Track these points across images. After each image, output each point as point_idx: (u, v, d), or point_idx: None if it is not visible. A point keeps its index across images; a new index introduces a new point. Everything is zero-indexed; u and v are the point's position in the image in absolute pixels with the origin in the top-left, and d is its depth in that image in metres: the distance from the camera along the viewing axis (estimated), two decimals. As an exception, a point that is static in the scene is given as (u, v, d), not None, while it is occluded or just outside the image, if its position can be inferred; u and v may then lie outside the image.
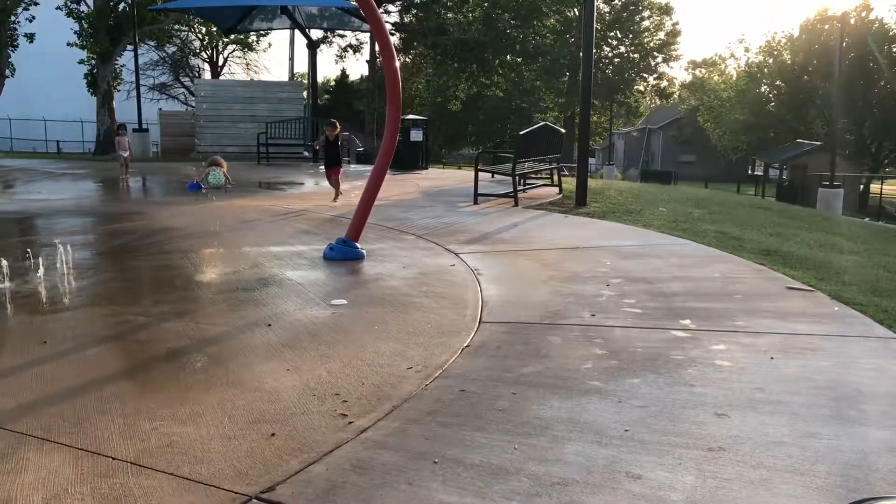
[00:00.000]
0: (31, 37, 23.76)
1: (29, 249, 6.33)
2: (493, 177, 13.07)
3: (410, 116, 18.77)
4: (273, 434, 3.17)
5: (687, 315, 4.98)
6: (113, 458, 2.92)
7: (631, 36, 45.01)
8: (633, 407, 3.46)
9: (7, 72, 24.89)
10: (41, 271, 6.02)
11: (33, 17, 23.57)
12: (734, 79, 53.36)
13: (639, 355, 4.20)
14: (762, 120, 47.13)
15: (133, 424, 3.23)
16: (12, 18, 23.45)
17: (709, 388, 3.69)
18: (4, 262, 5.87)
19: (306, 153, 21.02)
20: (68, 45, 25.35)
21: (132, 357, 4.38)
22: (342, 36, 38.58)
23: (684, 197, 13.22)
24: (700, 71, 61.11)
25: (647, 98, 54.08)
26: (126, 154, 14.92)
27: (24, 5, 23.37)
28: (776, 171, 42.37)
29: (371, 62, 33.34)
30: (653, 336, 4.57)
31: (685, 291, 5.68)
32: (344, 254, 6.85)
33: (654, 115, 62.62)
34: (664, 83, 49.02)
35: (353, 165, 19.22)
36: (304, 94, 25.94)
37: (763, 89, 49.58)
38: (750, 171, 53.57)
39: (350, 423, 3.30)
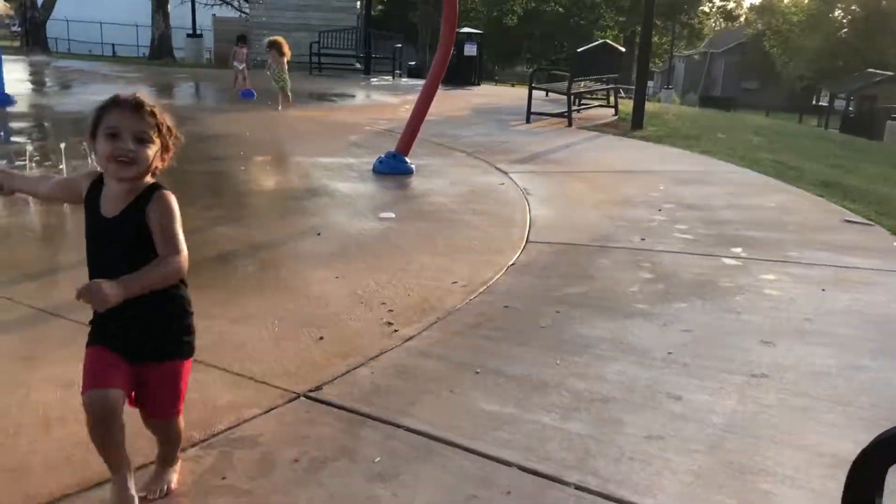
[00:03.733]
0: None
1: (85, 150, 6.45)
2: (547, 95, 12.81)
3: (465, 30, 18.38)
4: (321, 337, 3.25)
5: (739, 243, 4.90)
6: (168, 352, 3.03)
7: (699, -49, 42.99)
8: (678, 331, 3.46)
9: (65, -28, 24.92)
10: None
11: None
12: (806, 2, 50.80)
13: (687, 281, 4.17)
14: (832, 47, 44.99)
15: (187, 321, 3.34)
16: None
17: (756, 315, 3.66)
18: (62, 165, 6.00)
19: (358, 65, 20.81)
20: (125, -54, 25.19)
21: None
22: (399, -56, 37.57)
23: (744, 124, 12.84)
24: (770, -7, 58.30)
25: (712, 20, 51.96)
26: (242, 66, 13.55)
27: None
28: (842, 103, 40.75)
29: (427, -27, 32.53)
30: (703, 262, 4.52)
31: (738, 219, 5.58)
32: (393, 168, 6.85)
33: (718, 39, 60.25)
34: (731, 4, 47.03)
35: (404, 79, 19.01)
36: (358, 4, 25.50)
37: (836, 14, 47.19)
38: (814, 102, 51.52)
39: (395, 331, 3.37)
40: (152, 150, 1.93)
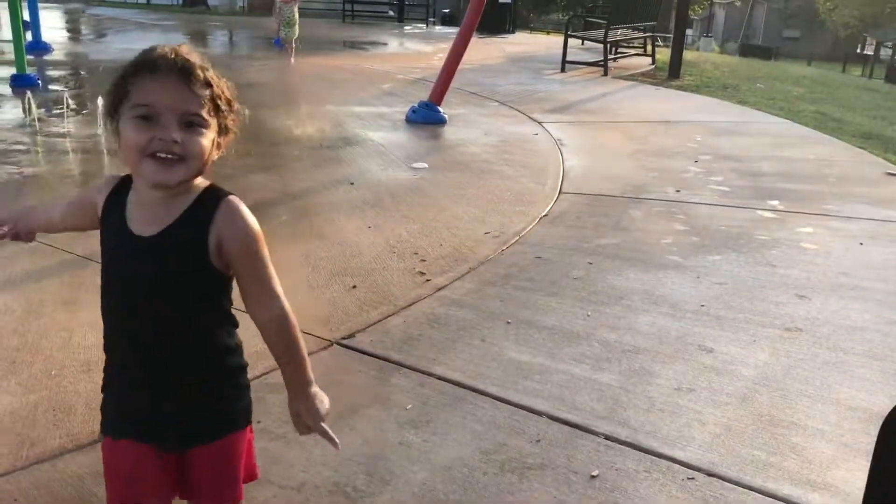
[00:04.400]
0: None
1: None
2: (582, 44, 12.58)
3: (500, -23, 18.02)
4: (354, 286, 3.29)
5: (776, 196, 4.82)
6: (204, 299, 3.08)
7: None
8: (712, 283, 3.43)
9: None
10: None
11: None
12: (853, -54, 48.88)
13: (721, 233, 4.12)
14: (880, -7, 43.39)
15: (222, 269, 3.39)
16: None
17: (792, 269, 3.62)
18: (101, 109, 6.06)
19: (391, 12, 20.56)
20: None
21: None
22: None
23: (784, 74, 12.52)
24: (817, -64, 56.16)
25: (755, -35, 50.26)
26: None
27: None
28: (888, 52, 39.40)
29: (462, -83, 31.81)
30: (738, 215, 4.46)
31: (776, 172, 5.48)
32: (426, 117, 6.81)
33: (761, -15, 58.43)
34: (775, -51, 45.33)
35: (437, 27, 18.75)
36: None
37: (885, -41, 45.36)
38: (859, 50, 49.92)
39: (427, 280, 3.39)
40: (208, 139, 1.30)
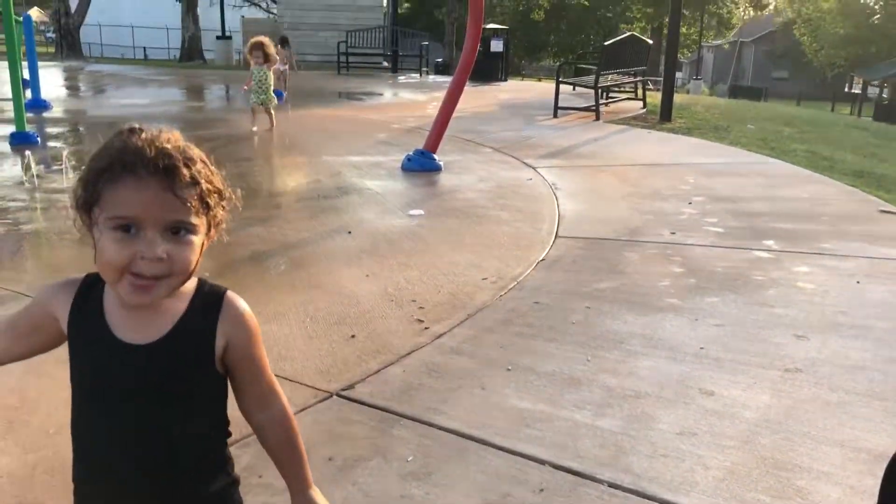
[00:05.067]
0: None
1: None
2: (574, 89, 12.75)
3: (491, 26, 18.35)
4: (353, 336, 3.28)
5: (771, 235, 4.85)
6: (203, 352, 3.08)
7: (727, -59, 42.40)
8: (710, 325, 3.44)
9: (96, -23, 25.32)
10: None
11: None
12: (837, -12, 49.91)
13: (718, 274, 4.14)
14: (864, 33, 44.20)
15: (221, 322, 3.38)
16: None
17: (789, 309, 3.62)
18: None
19: (385, 63, 20.87)
20: (153, -50, 25.50)
21: (218, 258, 4.56)
22: (424, -59, 37.59)
23: (775, 114, 12.68)
24: (800, -20, 57.32)
25: (741, 9, 51.23)
26: (284, 68, 13.05)
27: None
28: (875, 90, 39.95)
29: (452, -31, 32.46)
30: (734, 256, 4.48)
31: (770, 211, 5.52)
32: (421, 165, 6.87)
33: (747, 28, 59.47)
34: (760, -8, 46.28)
35: (431, 76, 19.02)
36: (385, 2, 25.56)
37: (868, 0, 46.36)
38: (847, 89, 50.59)
39: (426, 328, 3.39)
40: (196, 245, 1.15)
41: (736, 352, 3.15)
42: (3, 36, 8.79)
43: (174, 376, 1.18)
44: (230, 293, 1.24)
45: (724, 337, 3.31)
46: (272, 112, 8.99)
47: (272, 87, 9.09)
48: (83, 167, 1.14)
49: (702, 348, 3.18)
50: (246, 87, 9.20)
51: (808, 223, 5.21)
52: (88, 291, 1.21)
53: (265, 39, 9.23)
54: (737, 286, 3.94)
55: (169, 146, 1.11)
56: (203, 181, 1.14)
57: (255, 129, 8.79)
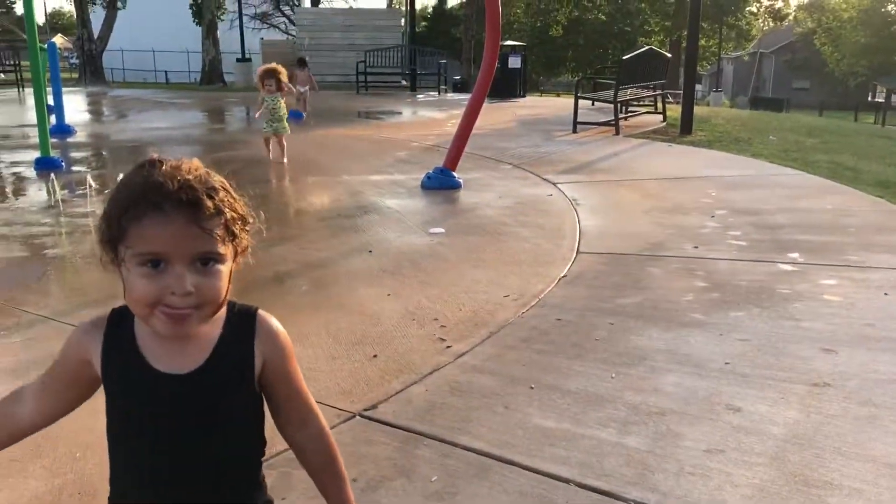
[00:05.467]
0: (139, -31, 24.46)
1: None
2: (593, 104, 12.74)
3: (509, 42, 18.43)
4: (375, 355, 3.28)
5: (795, 248, 4.80)
6: (226, 374, 3.09)
7: (745, -48, 42.30)
8: (735, 340, 3.40)
9: (119, 3, 25.76)
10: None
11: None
12: (856, -2, 49.62)
13: (742, 288, 4.09)
14: (886, 42, 43.88)
15: (244, 343, 3.39)
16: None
17: (816, 322, 3.58)
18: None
19: (404, 82, 20.99)
20: (174, -25, 25.92)
21: (241, 279, 4.57)
22: (441, -40, 37.98)
23: (796, 125, 12.57)
24: (819, -10, 57.04)
25: (760, 20, 51.05)
26: (304, 89, 13.14)
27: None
28: (899, 98, 39.50)
29: (469, -13, 32.67)
30: (758, 269, 4.44)
31: (794, 224, 5.46)
32: (441, 183, 6.89)
33: (767, 39, 59.21)
34: (779, 3, 46.10)
35: (449, 94, 19.10)
36: (402, 21, 25.77)
37: (889, 8, 46.01)
38: (870, 98, 50.15)
39: (448, 347, 3.38)
40: (225, 274, 1.15)
41: (762, 367, 3.11)
42: (28, 63, 8.93)
43: (217, 402, 1.19)
44: (261, 312, 1.25)
45: (750, 352, 3.27)
46: (284, 143, 8.45)
47: (286, 115, 8.65)
48: (106, 201, 1.14)
49: (727, 363, 3.14)
50: (258, 115, 8.86)
51: (833, 235, 5.15)
52: (118, 327, 1.20)
53: (278, 67, 8.70)
54: (762, 300, 3.89)
55: (191, 177, 1.10)
56: (227, 210, 1.13)
57: (271, 157, 8.46)
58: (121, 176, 1.20)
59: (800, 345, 3.33)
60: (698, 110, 12.42)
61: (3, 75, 22.61)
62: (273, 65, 8.74)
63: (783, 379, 2.99)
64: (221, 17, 27.52)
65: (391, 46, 20.98)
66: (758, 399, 2.83)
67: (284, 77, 8.56)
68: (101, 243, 1.14)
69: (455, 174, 6.99)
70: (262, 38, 29.25)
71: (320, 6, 35.41)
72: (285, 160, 8.30)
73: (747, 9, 44.23)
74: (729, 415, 2.71)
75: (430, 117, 13.62)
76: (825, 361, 3.14)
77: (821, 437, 2.54)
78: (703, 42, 38.97)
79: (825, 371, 3.05)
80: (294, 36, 27.35)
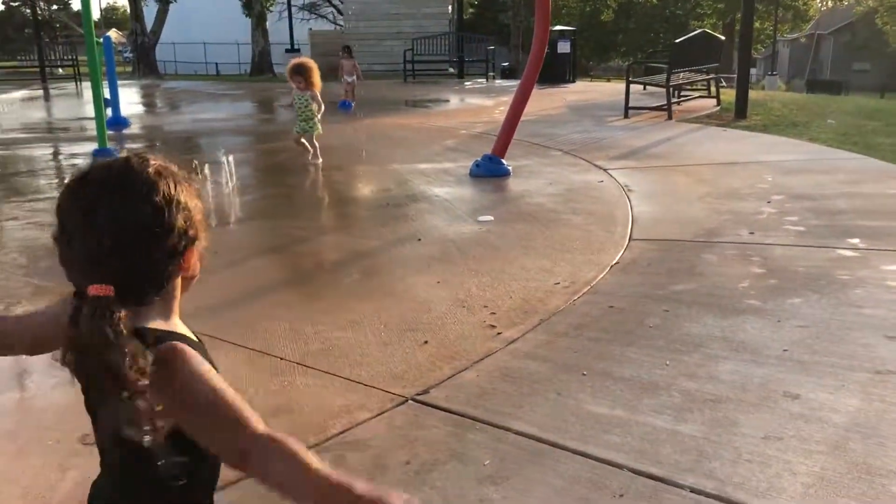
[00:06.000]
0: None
1: (196, 166, 6.76)
2: (644, 89, 12.56)
3: (558, 28, 18.21)
4: (426, 342, 3.29)
5: (855, 234, 4.66)
6: (281, 359, 3.14)
7: (802, -71, 41.12)
8: (793, 327, 3.32)
9: (170, -3, 26.23)
10: (209, 187, 6.42)
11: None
12: (921, -27, 47.78)
13: (801, 275, 4.00)
14: (952, 20, 42.18)
15: (298, 329, 3.45)
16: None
17: (878, 309, 3.47)
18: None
19: (451, 69, 20.95)
20: (224, -32, 26.25)
21: (294, 267, 4.65)
22: (488, -54, 37.75)
23: (856, 108, 12.20)
24: (881, -33, 55.14)
25: (818, 0, 49.59)
26: (351, 79, 13.01)
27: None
28: (966, 78, 38.06)
29: (517, -27, 32.43)
30: (817, 255, 4.32)
31: (854, 209, 5.31)
32: (490, 170, 6.86)
33: (825, 19, 57.46)
34: (838, -18, 44.64)
35: (497, 81, 19.00)
36: (449, 8, 25.70)
37: (955, -15, 44.23)
38: (934, 79, 48.37)
39: (499, 333, 3.37)
40: None
41: (822, 354, 3.03)
42: (85, 57, 9.16)
43: None
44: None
45: (809, 339, 3.19)
46: (316, 143, 7.66)
47: (317, 114, 7.64)
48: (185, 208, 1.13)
49: (785, 350, 3.07)
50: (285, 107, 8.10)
51: (895, 220, 4.99)
52: None
53: (308, 61, 7.81)
54: (820, 286, 3.79)
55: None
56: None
57: (310, 158, 7.63)
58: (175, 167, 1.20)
59: (861, 332, 3.23)
60: (753, 94, 12.13)
61: (61, 70, 23.23)
62: (303, 59, 8.04)
63: (844, 366, 2.91)
64: (270, 9, 27.80)
65: (438, 34, 20.94)
66: (817, 387, 2.76)
67: (316, 76, 7.64)
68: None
69: (504, 161, 6.95)
70: (310, 29, 29.47)
71: (368, -5, 35.51)
72: (319, 161, 7.58)
73: (804, -11, 43.02)
74: (787, 402, 2.65)
75: (478, 104, 13.57)
76: (889, 349, 3.05)
77: (885, 426, 2.47)
78: (757, 24, 37.99)
79: (889, 359, 2.96)
80: (342, 26, 27.51)
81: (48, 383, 2.91)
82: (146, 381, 1.01)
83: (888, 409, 2.57)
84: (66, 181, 1.13)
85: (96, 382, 1.04)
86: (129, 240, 1.05)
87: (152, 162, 1.13)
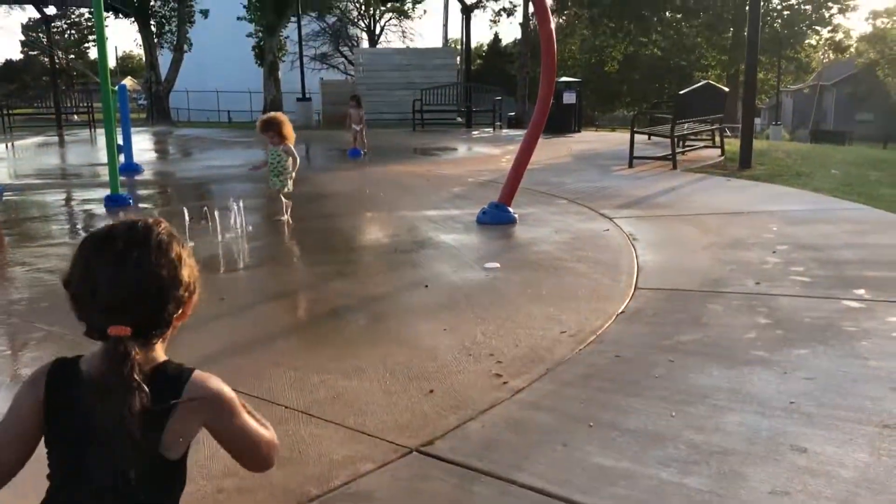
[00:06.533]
0: (205, 13, 25.42)
1: (206, 211, 6.83)
2: (649, 139, 12.67)
3: (563, 79, 18.47)
4: (431, 391, 3.29)
5: (861, 284, 4.66)
6: (286, 407, 3.14)
7: (803, -16, 41.75)
8: (800, 379, 3.31)
9: (185, 46, 26.72)
10: (218, 232, 6.47)
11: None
12: (921, 27, 48.44)
13: (807, 326, 3.99)
14: (954, 72, 42.57)
15: (303, 377, 3.45)
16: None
17: (885, 361, 3.46)
18: (186, 223, 6.37)
19: (459, 119, 21.19)
20: (238, 19, 26.76)
21: (301, 314, 4.67)
22: (496, -1, 38.51)
23: (860, 158, 12.28)
24: (882, 21, 55.91)
25: (820, 53, 50.15)
26: (358, 128, 13.07)
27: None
28: (970, 129, 38.27)
29: (524, 25, 32.96)
30: (822, 306, 4.32)
31: (859, 259, 5.31)
32: (496, 218, 6.91)
33: (828, 71, 58.06)
34: (839, 36, 45.17)
35: (504, 130, 19.21)
36: (458, 59, 26.13)
37: (956, 38, 44.75)
38: (938, 130, 48.63)
39: (505, 383, 3.37)
40: None
41: (829, 406, 3.02)
42: (99, 104, 9.32)
43: None
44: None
45: (816, 391, 3.17)
46: (284, 200, 7.06)
47: (292, 171, 7.08)
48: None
49: (792, 402, 3.06)
50: (254, 169, 8.10)
51: (901, 271, 5.00)
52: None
53: (278, 115, 7.32)
54: (827, 338, 3.79)
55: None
56: None
57: (279, 214, 7.02)
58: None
59: (868, 384, 3.22)
60: (757, 144, 12.24)
61: (76, 116, 23.60)
62: (272, 113, 7.52)
63: (851, 419, 2.89)
64: (282, 59, 28.28)
65: (447, 84, 21.25)
66: (825, 440, 2.74)
67: (287, 128, 7.08)
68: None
69: (510, 209, 7.01)
70: (321, 78, 29.94)
71: (378, 46, 36.13)
72: (285, 217, 6.96)
73: (806, 42, 43.55)
74: (794, 455, 2.64)
75: (485, 153, 13.71)
76: (896, 402, 3.03)
77: (894, 482, 2.45)
78: (761, 75, 38.41)
79: (896, 412, 2.94)
80: (352, 75, 27.93)
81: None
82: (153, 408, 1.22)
83: (897, 464, 2.55)
84: (85, 237, 1.29)
85: (103, 421, 1.21)
86: (150, 289, 1.25)
87: (164, 225, 1.34)
